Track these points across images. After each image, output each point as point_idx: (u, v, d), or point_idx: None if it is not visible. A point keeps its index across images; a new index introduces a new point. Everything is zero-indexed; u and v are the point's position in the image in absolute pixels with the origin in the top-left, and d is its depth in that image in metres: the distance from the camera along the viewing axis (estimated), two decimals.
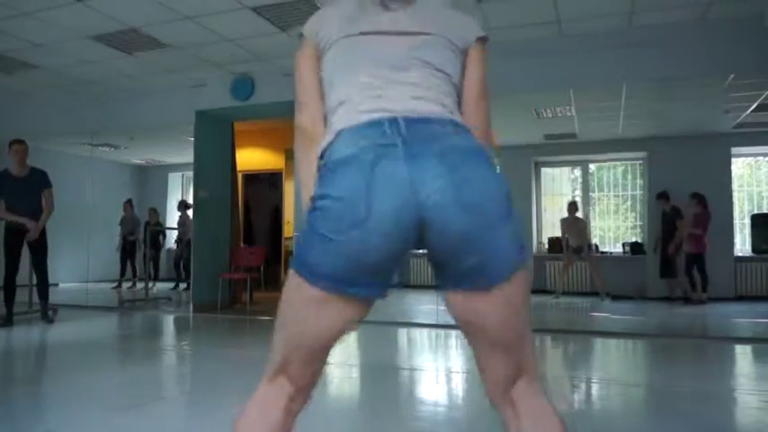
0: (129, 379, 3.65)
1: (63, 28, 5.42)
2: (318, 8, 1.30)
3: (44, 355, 4.68)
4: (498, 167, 1.07)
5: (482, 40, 1.23)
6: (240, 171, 8.68)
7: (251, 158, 9.50)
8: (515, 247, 1.03)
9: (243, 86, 6.82)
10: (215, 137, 7.52)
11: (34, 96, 7.80)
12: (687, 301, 7.79)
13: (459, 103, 1.20)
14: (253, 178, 10.28)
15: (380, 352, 4.76)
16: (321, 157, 1.10)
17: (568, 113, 7.54)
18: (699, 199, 7.84)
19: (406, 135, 1.01)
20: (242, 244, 8.61)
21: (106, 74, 6.84)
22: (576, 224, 8.56)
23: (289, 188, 9.40)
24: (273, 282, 8.82)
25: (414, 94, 1.10)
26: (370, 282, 1.02)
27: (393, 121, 1.03)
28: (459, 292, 1.04)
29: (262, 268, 7.76)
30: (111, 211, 9.70)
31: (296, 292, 1.07)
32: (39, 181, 5.78)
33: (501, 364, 1.10)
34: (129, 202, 10.03)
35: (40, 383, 3.63)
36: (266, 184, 10.75)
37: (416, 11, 1.19)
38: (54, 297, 6.10)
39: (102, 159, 9.57)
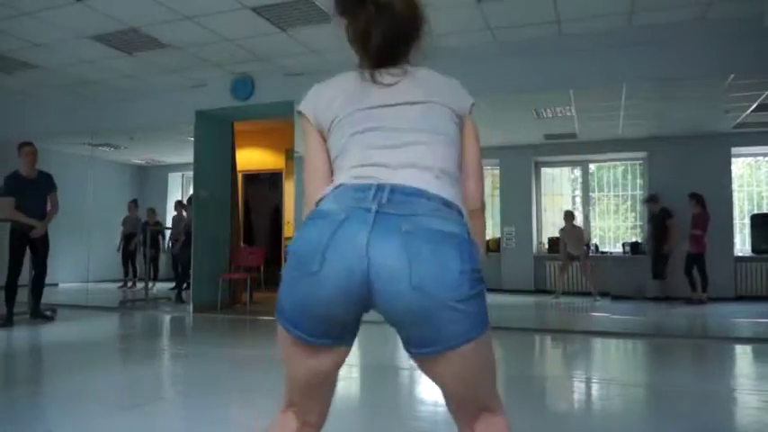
0: (129, 379, 3.65)
1: (63, 28, 5.42)
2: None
3: (44, 355, 4.68)
4: (472, 247, 1.07)
5: (472, 105, 1.31)
6: (240, 171, 8.67)
7: (251, 158, 9.50)
8: (467, 325, 1.02)
9: (243, 86, 6.82)
10: (215, 137, 7.52)
11: (34, 96, 7.80)
12: (688, 301, 7.79)
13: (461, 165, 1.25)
14: (253, 178, 10.28)
15: (380, 352, 4.76)
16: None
17: (568, 113, 7.53)
18: (697, 199, 7.85)
19: (384, 204, 1.05)
20: (242, 244, 8.60)
21: (106, 74, 6.84)
22: (573, 232, 8.61)
23: (289, 188, 9.38)
24: (273, 282, 8.81)
25: (415, 162, 1.14)
26: (325, 333, 1.07)
27: (380, 188, 1.07)
28: (418, 355, 1.08)
29: (262, 268, 7.76)
30: (111, 212, 9.69)
31: (279, 335, 1.13)
32: (45, 183, 5.86)
33: (461, 410, 1.16)
34: (134, 202, 10.04)
35: (40, 383, 3.63)
36: (266, 184, 10.74)
37: (415, 82, 1.25)
38: (54, 297, 6.11)
39: (102, 159, 9.56)
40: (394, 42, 1.24)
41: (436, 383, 1.12)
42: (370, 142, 1.17)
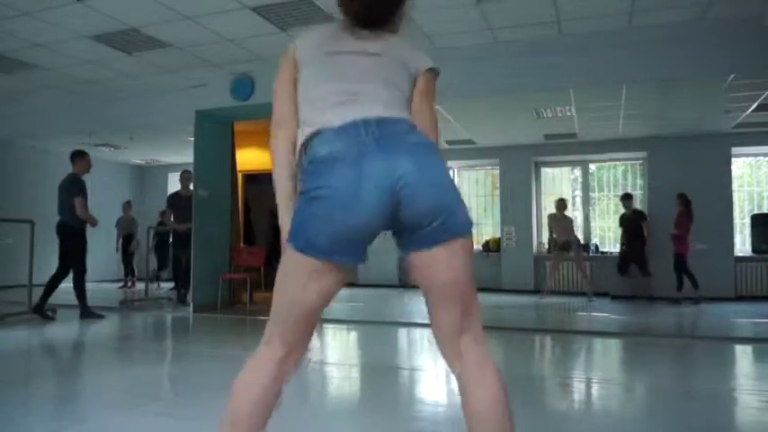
0: (129, 379, 3.65)
1: (63, 28, 5.42)
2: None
3: (45, 356, 4.68)
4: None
5: (432, 70, 1.48)
6: (240, 171, 8.67)
7: (251, 158, 9.50)
8: (465, 212, 1.33)
9: (243, 86, 6.82)
10: (215, 137, 7.52)
11: (34, 96, 7.80)
12: (675, 301, 7.80)
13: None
14: (253, 178, 10.27)
15: (380, 352, 4.76)
16: (304, 151, 1.35)
17: (568, 113, 7.54)
18: (682, 199, 7.87)
19: (377, 135, 1.29)
20: (242, 244, 8.60)
21: (106, 74, 6.85)
22: (563, 221, 8.55)
23: None
24: (273, 282, 8.77)
25: (378, 100, 1.37)
26: (350, 251, 1.30)
27: (367, 123, 1.30)
28: (425, 249, 1.31)
29: (262, 268, 7.76)
30: (111, 212, 9.70)
31: (292, 264, 1.32)
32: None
33: (450, 316, 1.35)
34: (128, 203, 10.04)
35: (40, 383, 3.63)
36: (266, 184, 10.72)
37: (381, 40, 1.45)
38: (54, 297, 6.11)
39: (102, 159, 9.56)
40: (373, 8, 1.42)
41: (430, 286, 1.34)
42: (339, 83, 1.39)
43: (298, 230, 1.29)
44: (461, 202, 1.32)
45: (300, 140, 1.36)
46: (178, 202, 7.71)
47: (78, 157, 6.21)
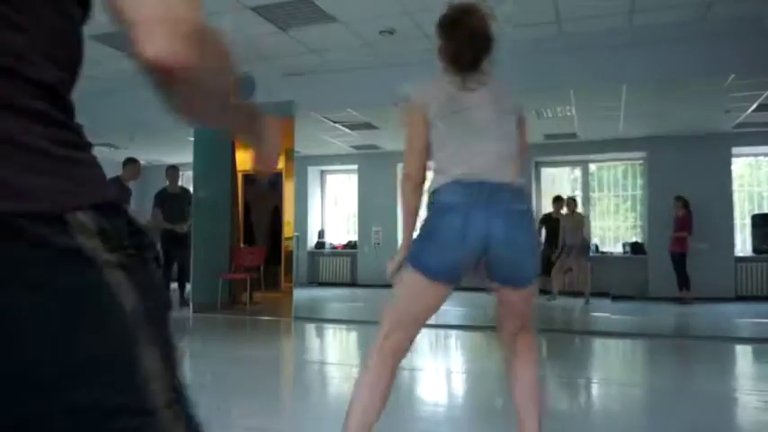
0: None
1: None
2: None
3: None
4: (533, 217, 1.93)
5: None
6: (240, 171, 8.67)
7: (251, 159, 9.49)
8: (534, 270, 1.88)
9: (244, 86, 6.80)
10: (215, 137, 7.51)
11: None
12: (680, 300, 7.80)
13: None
14: (253, 178, 10.28)
15: None
16: (433, 192, 1.82)
17: (568, 113, 7.53)
18: (683, 202, 7.90)
19: (486, 196, 1.75)
20: (242, 244, 8.60)
21: (107, 74, 6.85)
22: (572, 219, 8.54)
23: (289, 188, 9.38)
24: (273, 282, 8.81)
25: (493, 161, 1.80)
26: (450, 276, 1.79)
27: (481, 185, 1.76)
28: (504, 287, 1.87)
29: (261, 268, 7.76)
30: None
31: (413, 281, 1.80)
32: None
33: (513, 325, 1.96)
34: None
35: None
36: (266, 184, 10.74)
37: (490, 90, 1.87)
38: None
39: (103, 159, 9.46)
40: (478, 57, 1.84)
41: (508, 306, 1.92)
42: (462, 141, 1.82)
43: (417, 256, 1.79)
44: (532, 260, 1.86)
45: (432, 185, 1.82)
46: (165, 200, 7.42)
47: (129, 163, 6.61)
